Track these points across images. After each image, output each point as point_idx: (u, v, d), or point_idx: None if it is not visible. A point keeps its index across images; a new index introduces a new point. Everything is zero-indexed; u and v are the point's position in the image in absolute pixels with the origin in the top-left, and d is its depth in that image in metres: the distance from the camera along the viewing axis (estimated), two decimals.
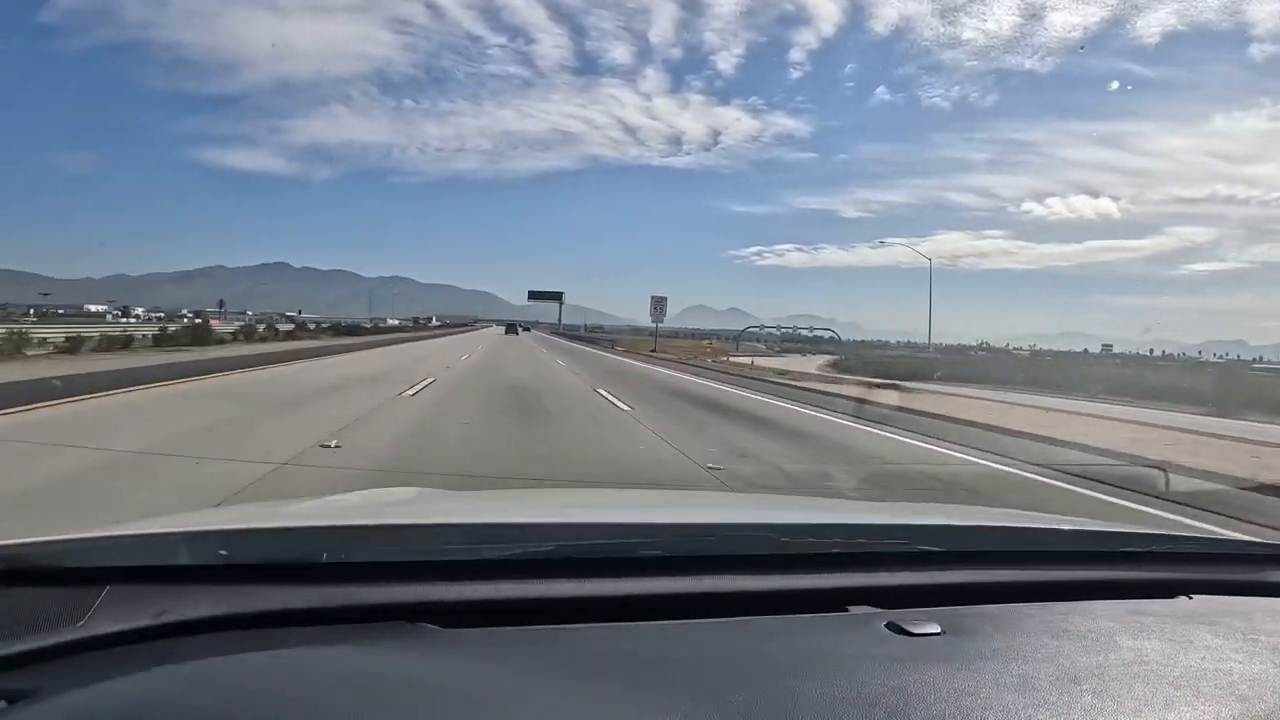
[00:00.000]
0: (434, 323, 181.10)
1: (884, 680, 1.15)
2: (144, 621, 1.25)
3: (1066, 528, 2.09)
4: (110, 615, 1.26)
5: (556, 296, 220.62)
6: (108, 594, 1.31)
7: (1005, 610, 1.53)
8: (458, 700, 1.02)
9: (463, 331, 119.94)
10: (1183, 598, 1.68)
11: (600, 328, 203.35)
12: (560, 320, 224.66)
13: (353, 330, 70.45)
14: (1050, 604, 1.57)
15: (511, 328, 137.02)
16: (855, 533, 1.91)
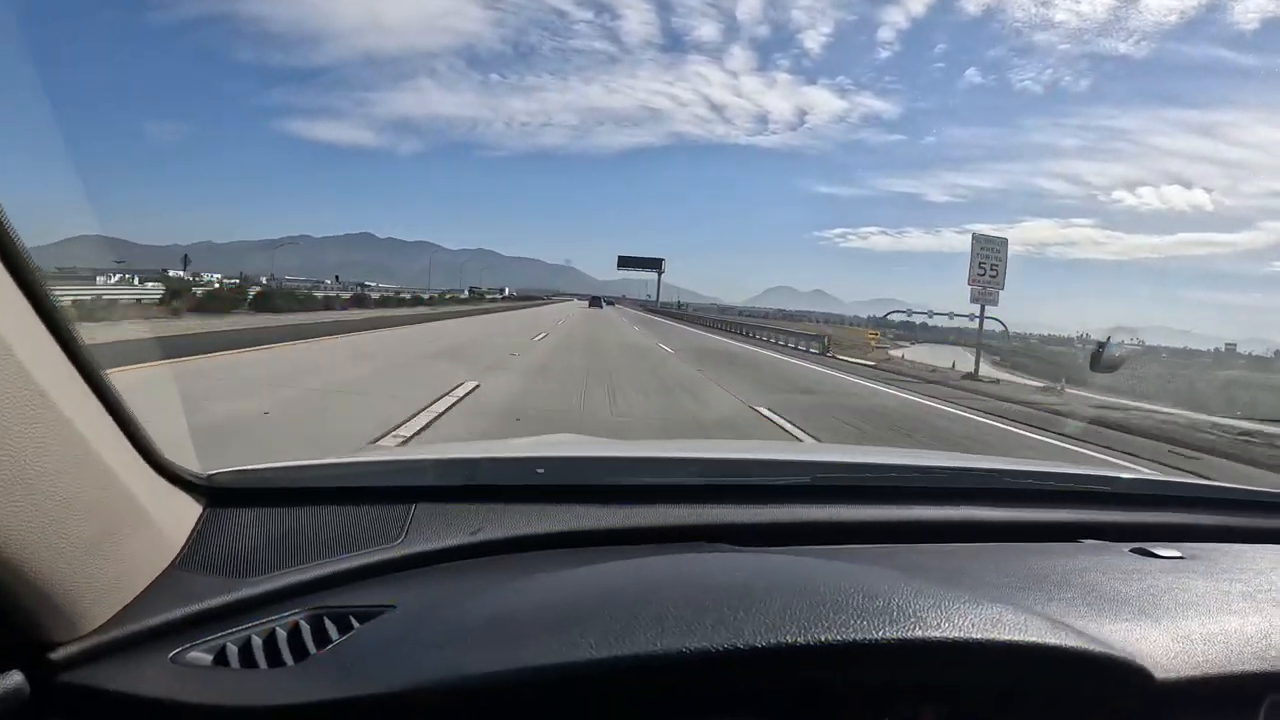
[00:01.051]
0: (503, 295, 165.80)
1: (1135, 585, 1.33)
2: (461, 539, 1.33)
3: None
4: (425, 533, 1.34)
5: (654, 265, 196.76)
6: (416, 512, 1.39)
7: (1228, 546, 1.67)
8: (771, 601, 1.01)
9: (534, 305, 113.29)
10: None
11: (685, 305, 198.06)
12: (658, 295, 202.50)
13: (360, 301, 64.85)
14: (1213, 545, 1.67)
15: (595, 301, 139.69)
16: (1070, 480, 1.99)
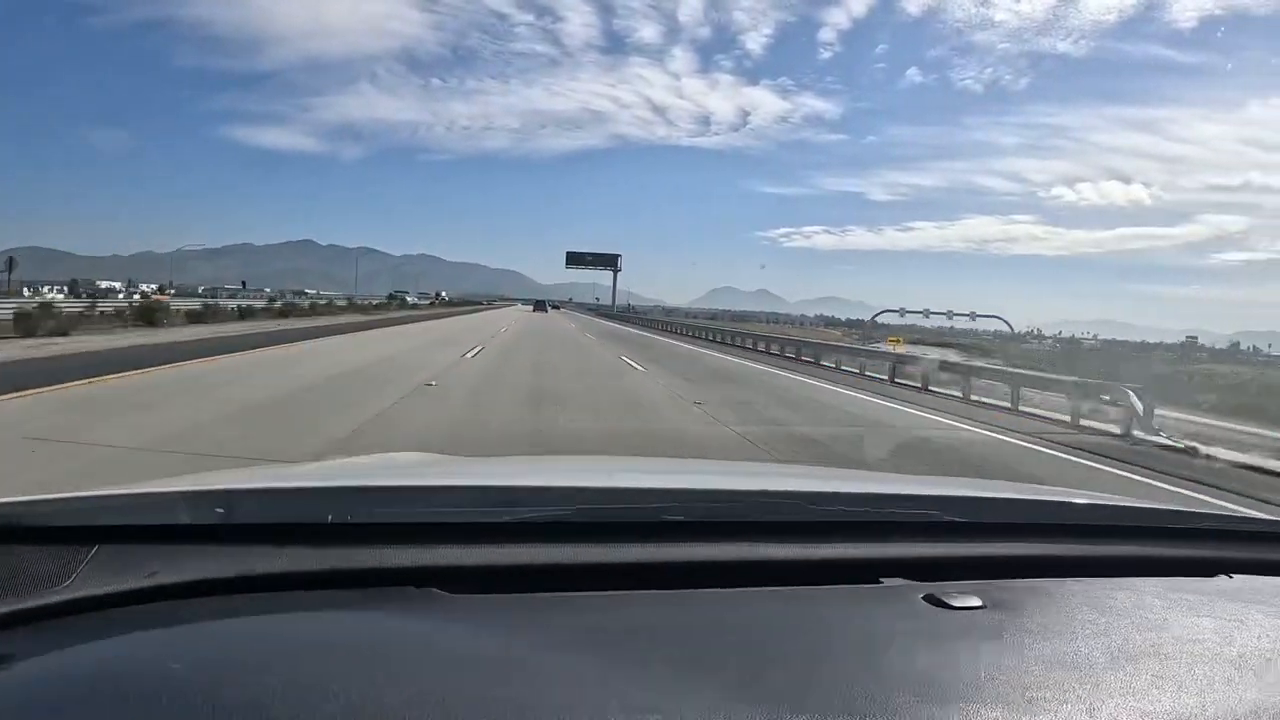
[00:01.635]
0: (435, 298, 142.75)
1: (926, 655, 1.12)
2: (133, 583, 1.20)
3: (1105, 503, 2.05)
4: (98, 577, 1.21)
5: (608, 262, 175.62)
6: (96, 554, 1.25)
7: (1048, 584, 1.45)
8: (464, 666, 0.98)
9: (475, 310, 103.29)
10: (1222, 576, 1.60)
11: (633, 307, 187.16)
12: (613, 298, 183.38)
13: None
14: (1094, 579, 1.49)
15: (540, 305, 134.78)
16: (886, 502, 1.81)
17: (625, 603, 1.26)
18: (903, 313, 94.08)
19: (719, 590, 1.31)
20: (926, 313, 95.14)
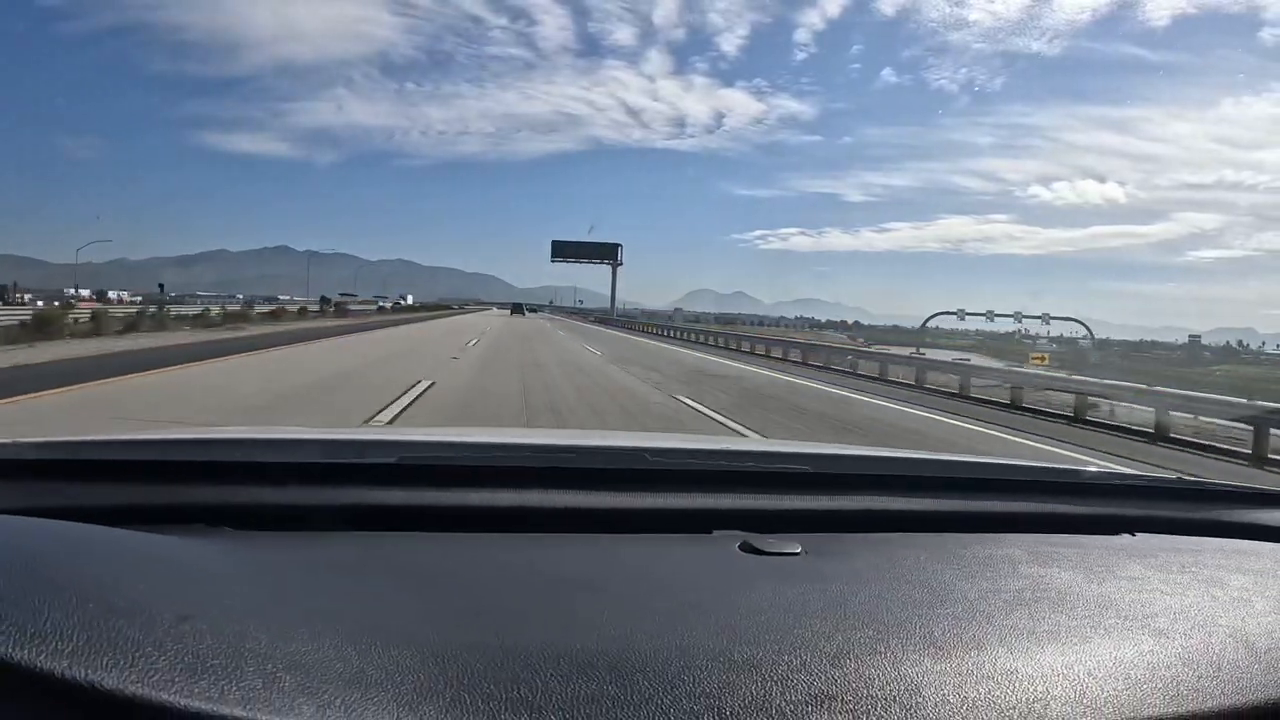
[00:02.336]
0: (393, 305, 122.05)
1: (731, 594, 1.15)
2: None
3: (988, 461, 2.11)
4: None
5: (606, 253, 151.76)
6: None
7: (890, 537, 1.50)
8: (242, 597, 0.97)
9: (442, 316, 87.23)
10: (1125, 535, 1.66)
11: (602, 310, 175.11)
12: (612, 300, 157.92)
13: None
14: (949, 534, 1.53)
15: (517, 309, 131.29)
16: (729, 458, 1.88)
17: (434, 544, 1.31)
18: (962, 314, 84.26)
19: (537, 534, 1.36)
20: (990, 315, 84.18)
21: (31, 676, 0.73)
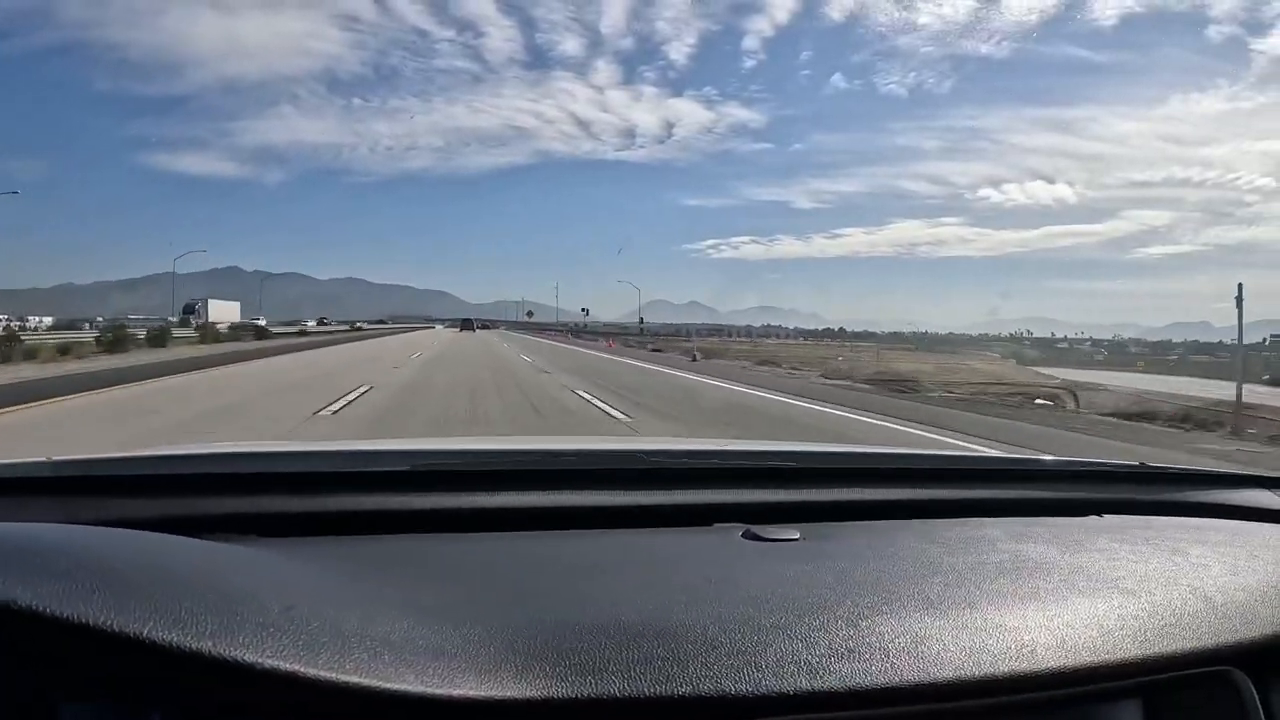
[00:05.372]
0: (304, 329, 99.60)
1: (743, 573, 1.24)
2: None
3: (966, 454, 2.60)
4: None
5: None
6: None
7: (879, 524, 1.60)
8: (312, 592, 1.04)
9: (372, 336, 71.75)
10: (1093, 516, 1.75)
11: (584, 325, 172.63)
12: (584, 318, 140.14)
13: None
14: (933, 520, 1.62)
15: (467, 324, 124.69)
16: (722, 456, 1.96)
17: (464, 542, 1.39)
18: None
19: (551, 532, 1.44)
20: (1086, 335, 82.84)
21: (181, 658, 0.81)
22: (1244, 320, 20.09)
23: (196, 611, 0.85)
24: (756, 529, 1.44)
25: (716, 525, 1.52)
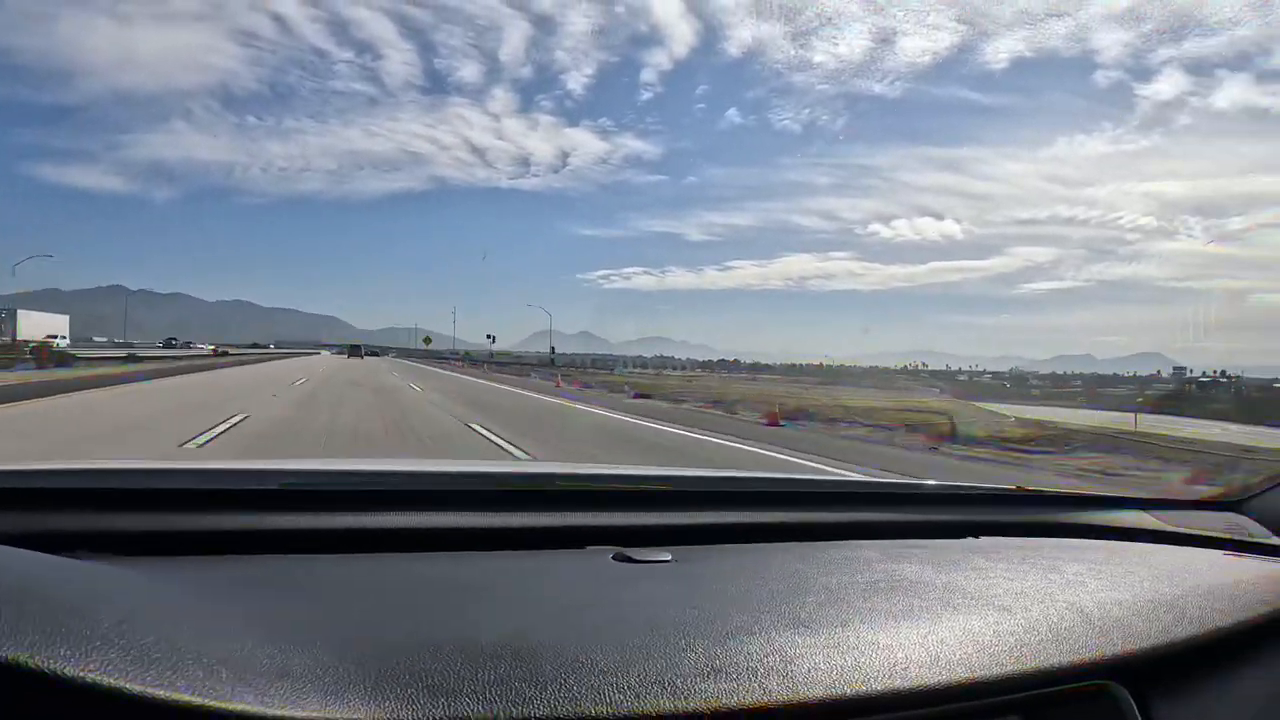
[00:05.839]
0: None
1: (613, 594, 1.26)
2: None
3: (843, 478, 2.42)
4: None
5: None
6: None
7: (754, 546, 1.61)
8: (155, 610, 1.01)
9: (212, 368, 42.70)
10: (970, 537, 1.78)
11: (468, 353, 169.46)
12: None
13: None
14: (809, 542, 1.64)
15: (355, 350, 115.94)
16: (594, 480, 1.94)
17: (327, 564, 1.34)
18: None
19: (423, 553, 1.43)
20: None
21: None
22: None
23: (15, 622, 0.82)
24: (628, 551, 1.44)
25: (589, 548, 1.52)
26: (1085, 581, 1.42)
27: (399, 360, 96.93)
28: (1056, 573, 1.46)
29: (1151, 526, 1.95)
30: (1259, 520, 1.94)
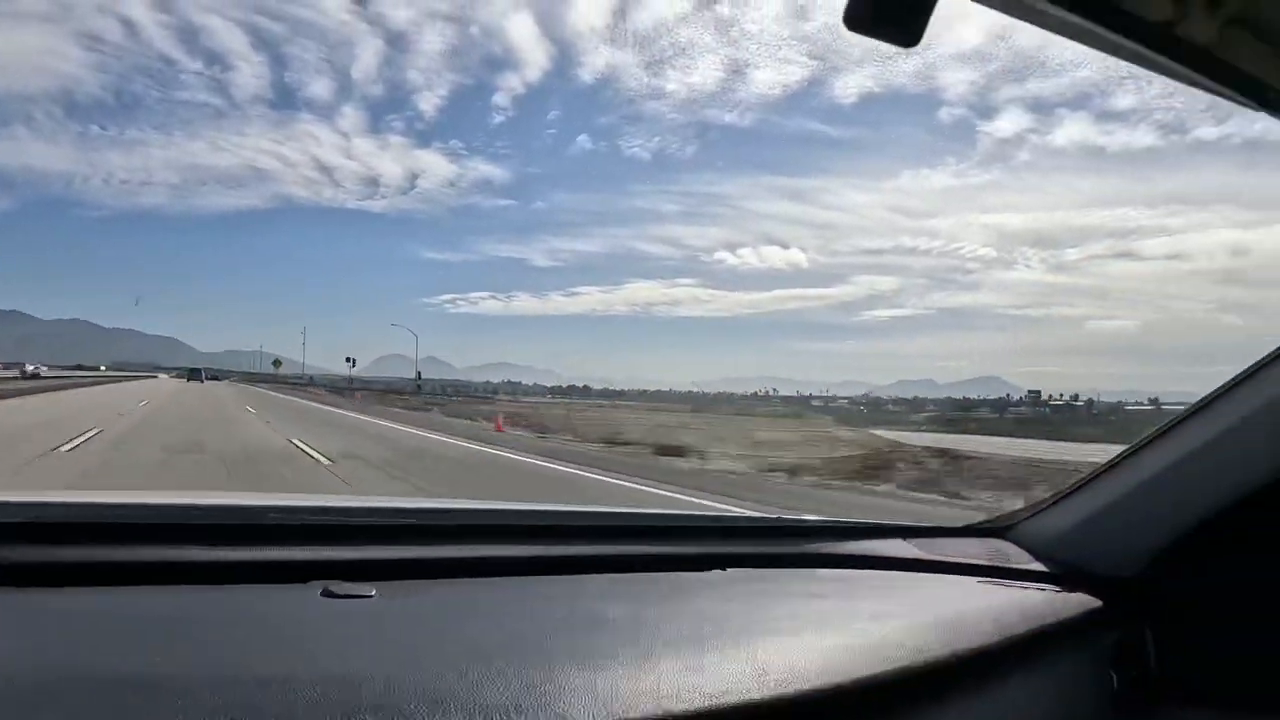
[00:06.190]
0: None
1: (304, 631, 1.25)
2: None
3: (576, 509, 2.18)
4: None
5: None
6: None
7: (464, 581, 1.58)
8: None
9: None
10: (716, 570, 1.76)
11: (313, 377, 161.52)
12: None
13: None
14: (530, 577, 1.63)
15: (195, 374, 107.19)
16: (305, 514, 1.85)
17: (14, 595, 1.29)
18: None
19: (112, 588, 1.36)
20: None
21: None
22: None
23: None
24: (334, 586, 1.42)
25: (294, 584, 1.47)
26: (829, 611, 1.46)
27: (245, 387, 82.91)
28: (807, 602, 1.49)
29: (911, 555, 1.98)
30: (1021, 546, 2.00)
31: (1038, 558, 1.94)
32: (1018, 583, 1.83)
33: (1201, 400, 1.77)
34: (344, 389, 76.41)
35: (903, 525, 2.19)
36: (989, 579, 1.85)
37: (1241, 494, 1.68)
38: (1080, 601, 1.75)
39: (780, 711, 1.16)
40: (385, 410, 40.69)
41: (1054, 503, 2.06)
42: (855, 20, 0.78)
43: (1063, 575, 1.86)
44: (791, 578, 1.79)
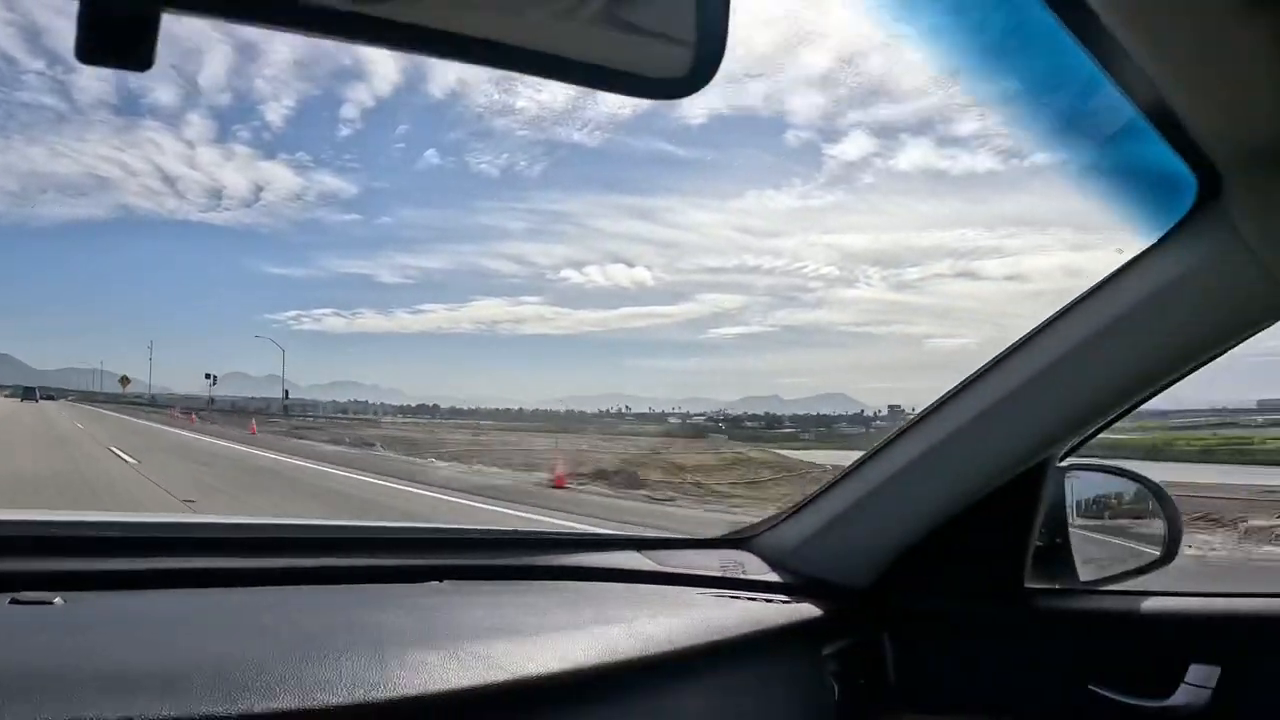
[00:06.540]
0: None
1: None
2: None
3: (289, 521, 2.16)
4: None
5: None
6: None
7: (150, 593, 1.54)
8: None
9: None
10: (434, 581, 1.74)
11: (152, 396, 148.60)
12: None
13: None
14: (235, 589, 1.59)
15: (29, 393, 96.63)
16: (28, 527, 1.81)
17: None
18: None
19: None
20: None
21: None
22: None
23: None
24: (21, 595, 1.41)
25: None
26: (547, 625, 1.48)
27: (83, 407, 65.83)
28: (517, 611, 1.53)
29: (643, 567, 1.96)
30: (761, 557, 2.02)
31: (773, 568, 1.97)
32: (746, 593, 1.86)
33: (921, 412, 1.82)
34: (201, 409, 65.04)
35: (638, 537, 2.14)
36: (719, 589, 1.87)
37: (964, 504, 1.76)
38: (805, 611, 1.80)
39: (428, 708, 1.18)
40: (277, 441, 28.37)
41: (794, 513, 2.06)
42: (89, 54, 0.72)
43: (795, 585, 1.90)
44: (510, 589, 1.79)
